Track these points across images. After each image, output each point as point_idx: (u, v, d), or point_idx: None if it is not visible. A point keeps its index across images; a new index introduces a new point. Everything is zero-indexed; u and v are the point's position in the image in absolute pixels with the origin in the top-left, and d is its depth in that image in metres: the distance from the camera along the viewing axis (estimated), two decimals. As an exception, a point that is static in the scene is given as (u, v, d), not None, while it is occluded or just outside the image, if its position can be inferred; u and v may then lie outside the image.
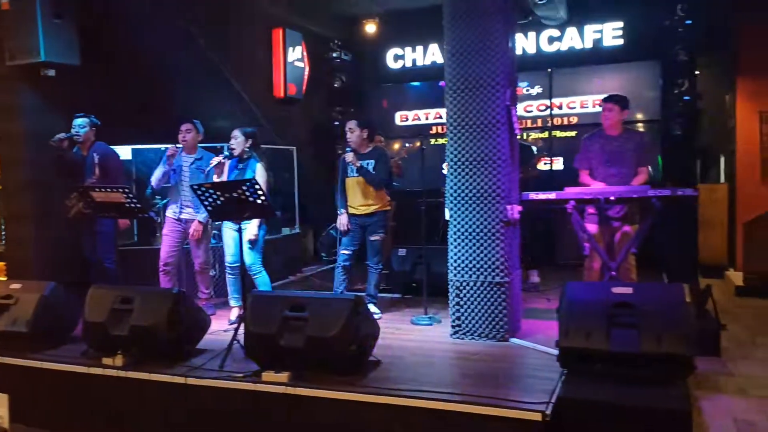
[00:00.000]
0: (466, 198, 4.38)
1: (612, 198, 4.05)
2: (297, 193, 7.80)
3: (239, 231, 4.83)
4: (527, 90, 8.33)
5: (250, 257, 5.02)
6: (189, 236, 5.37)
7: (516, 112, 4.27)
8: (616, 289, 3.32)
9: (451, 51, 4.32)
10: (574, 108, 8.16)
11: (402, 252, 6.20)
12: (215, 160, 4.99)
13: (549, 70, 8.19)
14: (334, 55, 8.51)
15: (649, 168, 4.70)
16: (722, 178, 9.51)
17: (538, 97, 8.29)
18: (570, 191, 4.23)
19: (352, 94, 8.88)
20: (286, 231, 7.79)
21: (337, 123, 8.54)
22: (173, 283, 5.46)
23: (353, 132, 5.18)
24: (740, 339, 6.37)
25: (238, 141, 5.04)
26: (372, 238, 5.22)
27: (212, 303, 5.68)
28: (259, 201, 3.95)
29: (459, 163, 4.38)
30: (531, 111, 8.35)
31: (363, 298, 3.61)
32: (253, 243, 5.01)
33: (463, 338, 4.45)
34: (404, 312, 5.47)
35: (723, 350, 5.96)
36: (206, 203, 4.08)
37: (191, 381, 3.73)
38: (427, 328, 4.90)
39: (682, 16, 7.12)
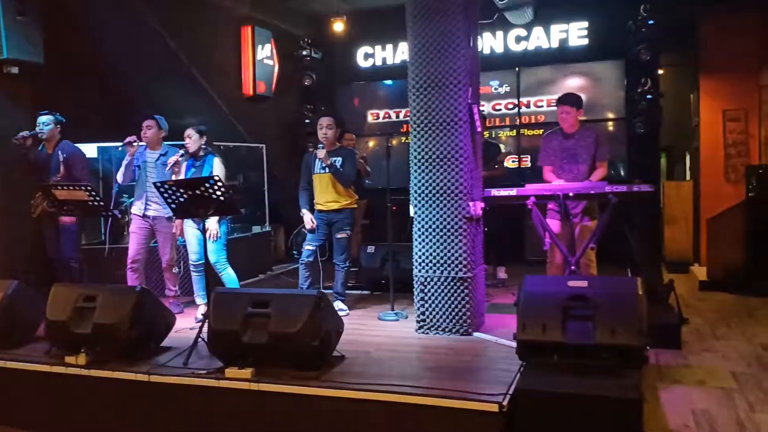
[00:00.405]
0: (430, 195, 4.45)
1: (571, 194, 4.14)
2: (267, 191, 7.79)
3: (201, 229, 4.85)
4: (496, 89, 8.42)
5: (213, 255, 5.04)
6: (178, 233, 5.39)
7: (478, 110, 4.34)
8: (572, 283, 3.40)
9: (413, 50, 4.38)
10: (542, 106, 8.27)
11: (371, 249, 6.25)
12: (172, 160, 5.02)
13: (517, 69, 8.29)
14: (304, 53, 8.51)
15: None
16: (688, 176, 9.72)
17: (506, 95, 8.38)
18: (530, 188, 4.31)
19: (323, 93, 8.89)
20: (256, 229, 7.79)
21: (308, 121, 8.55)
22: (141, 281, 5.45)
23: (330, 128, 5.21)
24: (701, 332, 6.53)
25: (192, 139, 5.07)
26: (338, 236, 5.26)
27: (180, 301, 5.68)
28: (222, 198, 3.97)
29: (422, 160, 4.44)
30: (500, 110, 8.45)
31: (326, 295, 3.64)
32: (214, 240, 5.02)
33: (428, 333, 4.52)
34: (372, 308, 5.51)
35: (684, 343, 6.12)
36: (169, 201, 4.08)
37: (154, 378, 3.74)
38: (394, 323, 4.96)
39: (645, 17, 7.25)
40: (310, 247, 5.24)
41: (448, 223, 4.40)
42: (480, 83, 4.82)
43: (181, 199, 4.05)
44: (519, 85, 8.27)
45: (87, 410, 3.90)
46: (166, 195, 4.06)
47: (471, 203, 4.38)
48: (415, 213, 4.50)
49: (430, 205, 4.45)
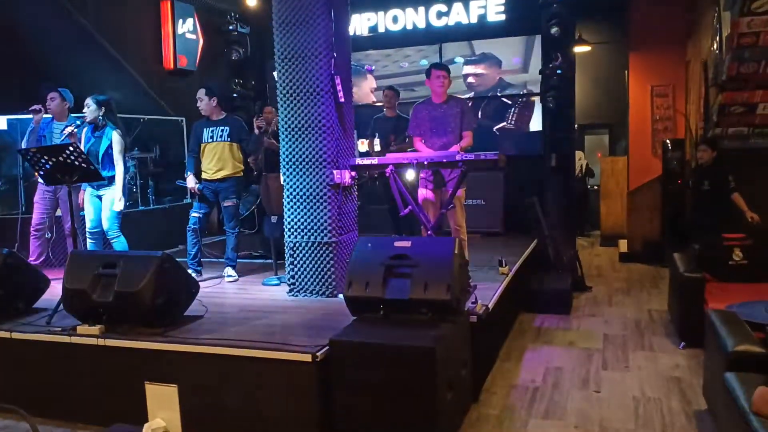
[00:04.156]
0: (297, 163, 4.63)
1: (425, 162, 4.33)
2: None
3: (100, 197, 5.01)
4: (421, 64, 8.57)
5: (107, 222, 5.22)
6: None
7: (341, 81, 4.50)
8: (398, 243, 3.61)
9: (277, 21, 4.53)
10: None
11: (273, 219, 6.41)
12: (68, 130, 5.16)
13: (438, 44, 8.42)
14: (231, 27, 8.60)
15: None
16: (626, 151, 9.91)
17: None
18: (389, 157, 4.50)
19: (252, 67, 8.99)
20: (178, 201, 7.95)
21: (235, 95, 8.67)
22: (43, 248, 5.63)
23: (202, 100, 5.37)
24: (599, 299, 6.82)
25: (90, 109, 5.19)
26: (225, 204, 5.45)
27: None
28: (84, 165, 4.13)
29: (289, 129, 4.61)
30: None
31: (170, 256, 3.82)
32: (117, 208, 5.18)
33: (297, 295, 4.73)
34: (263, 275, 5.71)
35: (575, 309, 6.40)
36: (36, 167, 4.24)
37: (16, 335, 3.94)
38: (274, 288, 5.16)
39: (557, -8, 7.38)
40: (197, 215, 5.42)
41: (314, 191, 4.59)
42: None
43: (47, 166, 4.21)
44: (441, 60, 8.40)
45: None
46: (33, 161, 4.21)
47: (336, 171, 4.57)
48: (285, 181, 4.68)
49: (298, 173, 4.63)
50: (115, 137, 5.22)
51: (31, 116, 5.50)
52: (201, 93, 5.38)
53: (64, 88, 5.69)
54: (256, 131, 5.82)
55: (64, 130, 5.20)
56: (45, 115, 5.59)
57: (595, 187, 11.52)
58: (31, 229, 5.62)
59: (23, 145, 5.61)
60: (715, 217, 6.42)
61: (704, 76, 7.47)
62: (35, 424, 1.64)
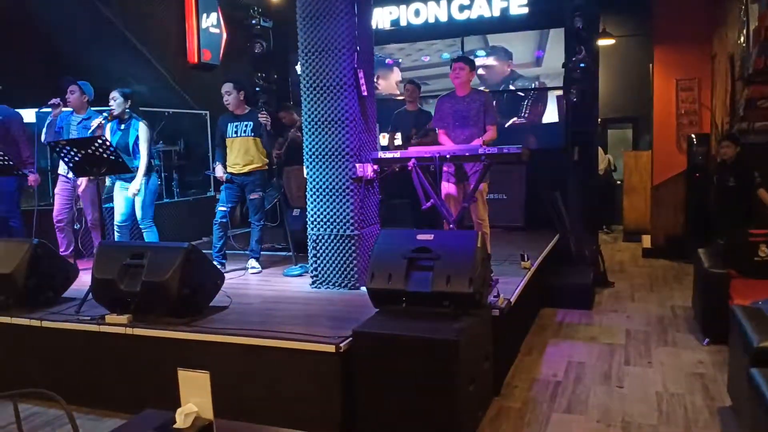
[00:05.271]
0: (320, 156, 4.66)
1: (447, 156, 4.33)
2: (211, 157, 8.03)
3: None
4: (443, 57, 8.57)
5: (140, 211, 5.31)
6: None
7: (364, 74, 4.52)
8: (420, 236, 3.62)
9: (301, 15, 4.56)
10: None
11: (296, 212, 6.48)
12: (95, 123, 5.23)
13: (461, 38, 8.40)
14: (254, 21, 8.65)
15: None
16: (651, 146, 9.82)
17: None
18: (412, 150, 4.51)
19: (274, 61, 9.04)
20: (202, 194, 8.05)
21: (258, 89, 8.72)
22: (68, 239, 5.74)
23: (230, 94, 5.41)
24: (621, 295, 6.78)
25: (117, 102, 5.26)
26: (251, 197, 5.51)
27: None
28: (112, 158, 4.21)
29: (313, 123, 4.64)
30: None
31: (196, 247, 3.88)
32: (138, 196, 5.26)
33: (320, 288, 4.77)
34: (285, 267, 5.75)
35: (597, 304, 6.37)
36: (66, 159, 4.33)
37: (46, 324, 4.03)
38: (297, 279, 5.20)
39: (585, -15, 7.31)
40: (223, 209, 5.48)
41: (337, 184, 4.63)
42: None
43: (77, 158, 4.29)
44: (463, 53, 8.38)
45: None
46: (62, 154, 4.30)
47: (359, 165, 4.59)
48: (308, 174, 4.72)
49: (321, 167, 4.67)
50: (142, 127, 5.30)
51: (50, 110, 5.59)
52: (229, 86, 5.39)
53: (83, 81, 5.76)
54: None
55: (91, 123, 5.27)
56: (64, 109, 5.66)
57: (618, 182, 11.43)
58: (54, 221, 5.72)
59: (42, 138, 5.69)
60: (741, 213, 6.35)
61: (731, 69, 7.36)
62: (71, 411, 1.69)
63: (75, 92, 5.61)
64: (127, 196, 5.33)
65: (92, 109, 5.77)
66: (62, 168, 5.70)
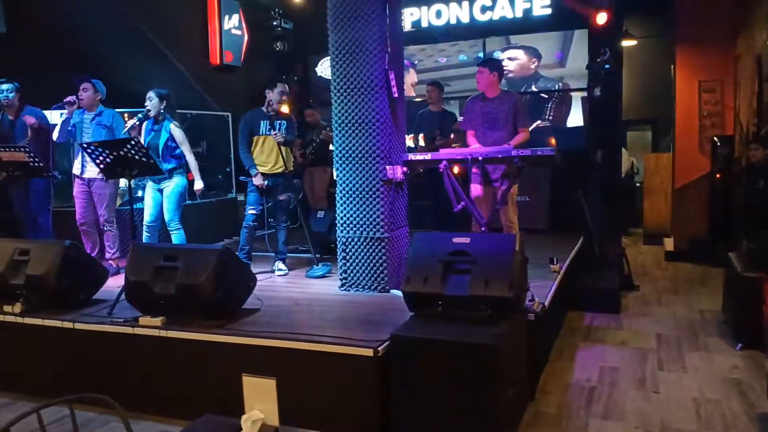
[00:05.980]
0: (350, 158, 4.64)
1: (480, 158, 4.30)
2: (233, 159, 8.03)
3: (160, 191, 5.09)
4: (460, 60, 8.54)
5: (169, 213, 5.30)
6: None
7: (395, 76, 4.49)
8: (456, 239, 3.59)
9: (332, 17, 4.54)
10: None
11: (320, 214, 6.46)
12: (129, 123, 5.20)
13: (483, 39, 8.37)
14: (275, 23, 8.66)
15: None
16: (672, 148, 9.74)
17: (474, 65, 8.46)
18: (443, 152, 4.48)
19: (295, 63, 9.05)
20: (224, 196, 8.05)
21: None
22: (93, 241, 5.72)
23: (282, 94, 5.48)
24: (647, 299, 6.71)
25: (153, 103, 5.26)
26: (280, 198, 5.49)
27: (117, 263, 5.79)
28: (143, 159, 4.20)
29: (343, 124, 4.62)
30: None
31: (230, 250, 3.87)
32: (172, 198, 5.26)
33: (349, 290, 4.75)
34: (308, 269, 5.73)
35: (624, 308, 6.30)
36: (97, 161, 4.32)
37: (79, 326, 4.03)
38: (324, 281, 5.18)
39: (607, -15, 7.25)
40: (254, 212, 5.46)
41: (367, 186, 4.60)
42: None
43: (108, 160, 4.29)
44: (485, 55, 8.35)
45: (19, 357, 4.21)
46: (93, 156, 4.30)
47: (389, 167, 4.57)
48: (338, 176, 4.70)
49: (351, 169, 4.64)
50: (175, 129, 5.30)
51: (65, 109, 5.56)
52: (284, 87, 5.44)
53: (97, 80, 5.73)
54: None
55: (126, 124, 5.25)
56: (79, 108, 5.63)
57: (638, 184, 11.33)
58: (78, 224, 5.69)
59: (54, 136, 5.63)
60: (770, 216, 6.27)
61: (758, 70, 7.27)
62: (126, 417, 1.67)
63: (88, 90, 5.56)
64: (158, 196, 5.32)
65: (102, 106, 5.71)
66: (76, 167, 5.63)
